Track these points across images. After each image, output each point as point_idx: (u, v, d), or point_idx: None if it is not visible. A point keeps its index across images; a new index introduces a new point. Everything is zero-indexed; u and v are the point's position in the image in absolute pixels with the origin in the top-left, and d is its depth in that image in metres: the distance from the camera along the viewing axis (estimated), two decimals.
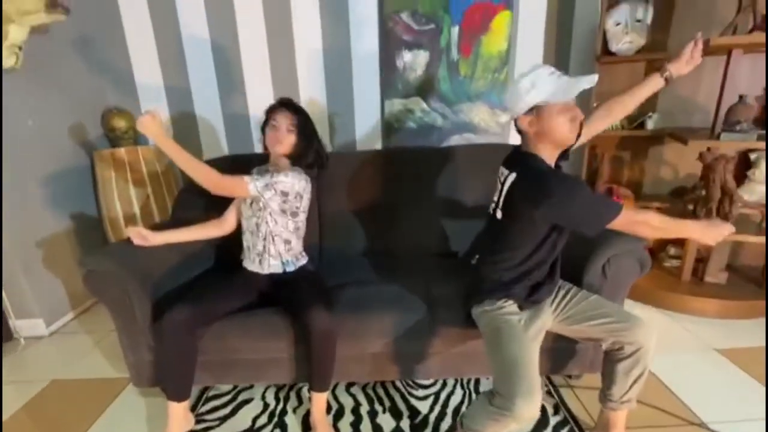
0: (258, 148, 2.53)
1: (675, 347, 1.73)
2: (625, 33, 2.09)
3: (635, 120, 2.23)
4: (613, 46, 2.13)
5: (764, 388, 1.47)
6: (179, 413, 1.25)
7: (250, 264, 1.45)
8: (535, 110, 1.06)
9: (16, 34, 1.70)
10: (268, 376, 1.42)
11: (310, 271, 1.48)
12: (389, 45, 2.38)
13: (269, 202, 1.35)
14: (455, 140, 2.56)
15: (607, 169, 2.38)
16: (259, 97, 2.48)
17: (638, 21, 2.07)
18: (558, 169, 1.13)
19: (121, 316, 1.36)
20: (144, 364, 1.41)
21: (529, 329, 1.11)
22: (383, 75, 2.44)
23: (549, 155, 1.10)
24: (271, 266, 1.42)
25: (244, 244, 1.48)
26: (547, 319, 1.18)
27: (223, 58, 2.41)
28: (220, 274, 1.55)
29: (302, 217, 1.45)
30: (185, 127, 2.56)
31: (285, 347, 1.34)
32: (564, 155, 1.15)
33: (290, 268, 1.43)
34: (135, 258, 1.36)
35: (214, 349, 1.36)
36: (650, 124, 2.16)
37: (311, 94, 2.46)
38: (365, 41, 2.38)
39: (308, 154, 1.41)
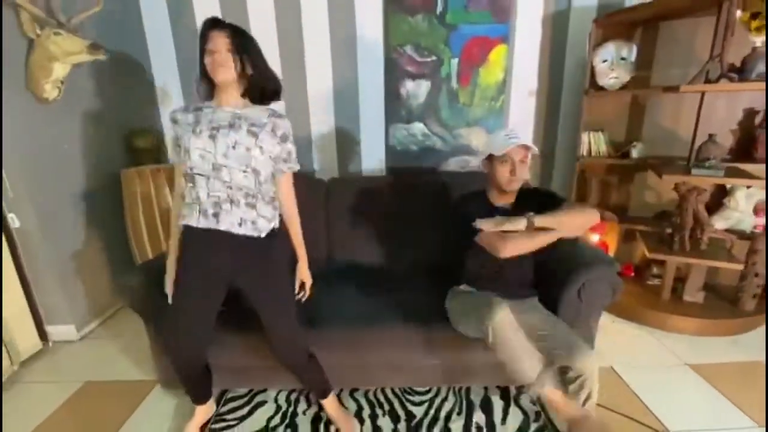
0: None
1: (650, 361, 1.89)
2: (611, 69, 2.27)
3: (621, 148, 2.41)
4: (601, 81, 2.31)
5: (725, 399, 1.63)
6: (203, 408, 1.48)
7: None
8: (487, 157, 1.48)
9: (59, 71, 1.91)
10: (280, 382, 1.60)
11: None
12: (394, 75, 2.58)
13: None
14: (454, 162, 2.75)
15: (595, 193, 2.55)
16: None
17: (623, 59, 2.25)
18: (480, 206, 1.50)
19: (153, 326, 1.54)
20: (171, 369, 1.59)
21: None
22: (388, 103, 2.63)
23: (494, 194, 1.50)
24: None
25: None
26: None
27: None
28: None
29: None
30: None
31: None
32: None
33: None
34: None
35: (228, 359, 1.55)
36: (634, 153, 2.33)
37: (321, 121, 2.66)
38: (371, 72, 2.58)
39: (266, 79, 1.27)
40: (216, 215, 1.19)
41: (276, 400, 1.64)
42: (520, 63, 2.57)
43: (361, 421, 1.52)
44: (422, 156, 2.72)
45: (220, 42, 1.17)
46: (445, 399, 1.62)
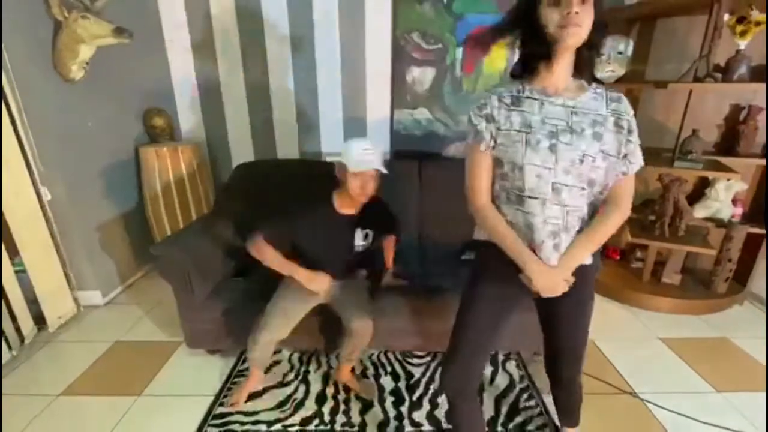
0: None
1: (624, 334, 2.10)
2: (607, 63, 2.38)
3: None
4: (597, 74, 2.41)
5: (689, 368, 1.84)
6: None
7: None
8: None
9: (85, 52, 2.02)
10: (293, 344, 1.79)
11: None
12: (400, 62, 2.68)
13: None
14: (456, 147, 2.88)
15: None
16: (282, 106, 2.80)
17: (620, 53, 2.36)
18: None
19: (182, 292, 1.72)
20: (197, 330, 1.78)
21: None
22: (394, 88, 2.74)
23: (342, 199, 1.52)
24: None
25: (520, 218, 0.98)
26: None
27: (251, 66, 2.72)
28: None
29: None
30: (216, 129, 2.88)
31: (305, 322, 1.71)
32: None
33: None
34: (193, 246, 1.72)
35: (250, 321, 1.73)
36: None
37: (329, 104, 2.77)
38: (379, 58, 2.68)
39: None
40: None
41: (290, 360, 1.84)
42: None
43: (366, 380, 1.72)
44: (425, 140, 2.85)
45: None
46: (440, 363, 1.82)
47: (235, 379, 1.72)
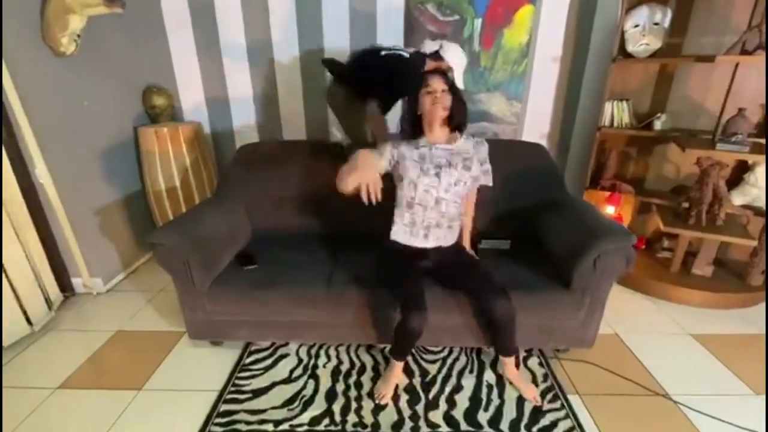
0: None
1: (654, 330, 1.96)
2: (642, 35, 2.18)
3: (644, 119, 2.36)
4: (630, 47, 2.22)
5: (725, 368, 1.71)
6: (401, 368, 1.52)
7: (415, 239, 1.54)
8: None
9: (76, 23, 1.87)
10: (301, 336, 1.71)
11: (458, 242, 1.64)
12: (414, 35, 2.49)
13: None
14: (471, 128, 2.70)
15: (613, 164, 2.53)
16: (289, 81, 2.63)
17: (656, 24, 2.15)
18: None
19: (182, 282, 1.61)
20: (199, 321, 1.68)
21: None
22: None
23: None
24: (438, 239, 1.55)
25: (407, 218, 1.53)
26: None
27: (255, 41, 2.55)
28: (390, 258, 1.59)
29: None
30: (218, 107, 2.73)
31: (316, 314, 1.61)
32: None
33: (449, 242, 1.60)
34: (193, 234, 1.60)
35: (256, 312, 1.64)
36: (658, 125, 2.29)
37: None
38: (391, 30, 2.49)
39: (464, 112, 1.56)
40: None
41: (297, 353, 1.75)
42: (546, 25, 2.47)
43: (378, 374, 1.62)
44: None
45: (437, 82, 1.48)
46: (456, 359, 1.71)
47: (240, 374, 1.63)
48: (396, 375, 1.53)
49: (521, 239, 1.92)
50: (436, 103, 1.45)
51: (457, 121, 1.53)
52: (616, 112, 2.35)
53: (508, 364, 1.54)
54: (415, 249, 1.57)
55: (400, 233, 1.57)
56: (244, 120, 2.76)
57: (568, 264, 1.57)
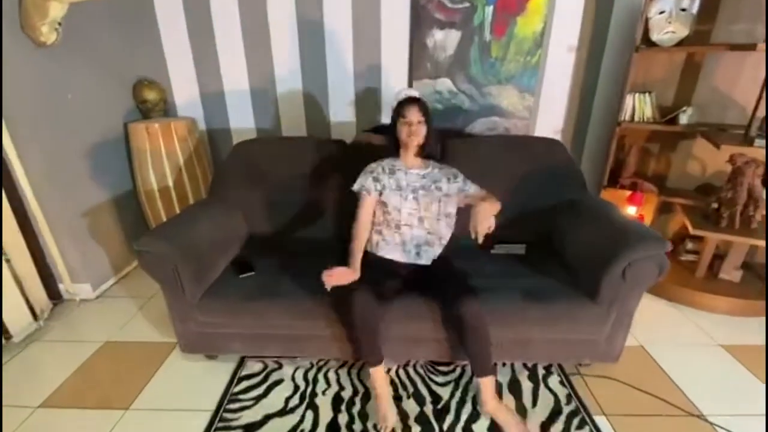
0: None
1: (681, 340, 1.82)
2: (668, 22, 2.02)
3: (668, 113, 2.20)
4: (654, 36, 2.06)
5: (764, 386, 1.57)
6: (382, 375, 1.40)
7: (402, 255, 1.54)
8: None
9: (56, 11, 1.73)
10: (305, 351, 1.57)
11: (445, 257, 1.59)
12: (420, 23, 2.34)
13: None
14: (481, 123, 2.56)
15: (633, 161, 2.37)
16: (284, 68, 2.49)
17: (683, 10, 1.99)
18: None
19: (171, 292, 1.48)
20: (190, 333, 1.56)
21: None
22: (412, 54, 2.41)
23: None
24: (430, 259, 1.55)
25: (397, 238, 1.54)
26: None
27: (251, 30, 2.40)
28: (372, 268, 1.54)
29: None
30: (213, 99, 2.59)
31: (316, 326, 1.47)
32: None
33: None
34: (183, 239, 1.47)
35: (252, 324, 1.51)
36: (683, 119, 2.13)
37: (337, 70, 2.45)
38: (395, 18, 2.33)
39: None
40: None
41: (293, 379, 1.57)
42: (562, 12, 2.31)
43: None
44: (447, 116, 2.53)
45: (414, 114, 1.52)
46: (470, 381, 1.55)
47: (229, 405, 1.45)
48: (380, 386, 1.39)
49: (537, 243, 1.79)
50: (411, 135, 1.52)
51: (428, 151, 1.61)
52: (638, 106, 2.19)
53: (485, 389, 1.35)
54: (402, 264, 1.55)
55: (391, 251, 1.56)
56: (241, 115, 2.62)
57: (593, 273, 1.43)
